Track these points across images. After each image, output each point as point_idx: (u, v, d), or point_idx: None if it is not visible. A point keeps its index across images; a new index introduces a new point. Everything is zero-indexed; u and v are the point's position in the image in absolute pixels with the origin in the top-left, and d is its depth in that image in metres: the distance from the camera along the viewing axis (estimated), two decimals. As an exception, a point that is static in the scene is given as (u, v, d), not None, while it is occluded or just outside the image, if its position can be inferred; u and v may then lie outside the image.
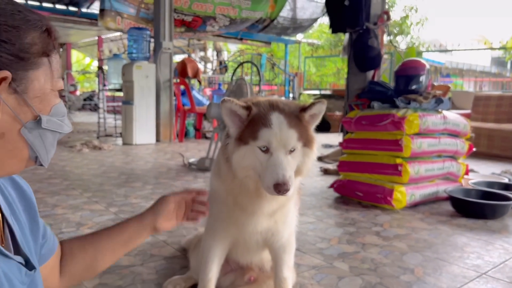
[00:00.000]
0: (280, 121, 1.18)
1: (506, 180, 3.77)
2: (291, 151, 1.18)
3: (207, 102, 7.72)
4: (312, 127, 1.28)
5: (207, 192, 1.27)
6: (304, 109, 1.24)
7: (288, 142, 1.17)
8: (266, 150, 1.17)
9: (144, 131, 6.50)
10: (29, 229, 0.91)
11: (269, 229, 1.37)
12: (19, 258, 0.82)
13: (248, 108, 1.21)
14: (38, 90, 0.75)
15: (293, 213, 1.46)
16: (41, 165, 0.81)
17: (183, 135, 7.22)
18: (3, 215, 0.83)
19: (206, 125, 7.88)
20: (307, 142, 1.22)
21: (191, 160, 4.74)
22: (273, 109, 1.21)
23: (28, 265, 0.84)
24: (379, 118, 3.08)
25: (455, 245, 2.29)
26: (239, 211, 1.32)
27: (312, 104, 1.25)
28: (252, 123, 1.20)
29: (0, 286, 0.73)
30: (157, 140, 6.76)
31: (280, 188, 1.11)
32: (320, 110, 1.26)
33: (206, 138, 7.47)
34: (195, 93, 7.92)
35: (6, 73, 0.70)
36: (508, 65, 19.29)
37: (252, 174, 1.21)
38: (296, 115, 1.22)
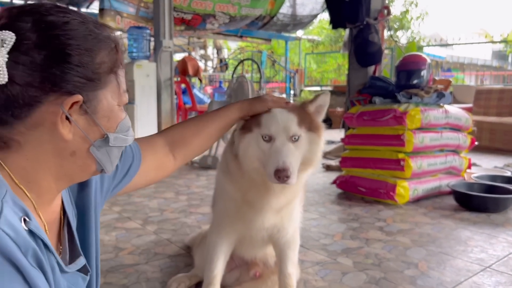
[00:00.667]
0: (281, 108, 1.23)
1: (508, 174, 3.77)
2: (295, 140, 1.19)
3: (208, 100, 7.72)
4: (318, 118, 1.29)
5: None
6: (309, 101, 1.28)
7: (288, 126, 1.18)
8: (269, 140, 1.18)
9: (145, 130, 6.48)
10: None
11: (275, 225, 1.38)
12: (81, 261, 0.82)
13: None
14: (107, 108, 0.75)
15: (298, 210, 1.47)
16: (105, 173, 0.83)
17: (185, 133, 7.22)
18: (64, 213, 0.84)
19: (208, 123, 7.87)
20: (311, 127, 1.23)
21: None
22: None
23: (84, 268, 0.84)
24: (381, 113, 3.07)
25: (459, 239, 2.30)
26: (247, 207, 1.33)
27: (316, 96, 1.28)
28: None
29: None
30: (159, 139, 6.76)
31: (280, 174, 1.11)
32: (324, 101, 1.28)
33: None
34: (196, 91, 7.92)
35: (79, 97, 0.70)
36: (509, 59, 19.16)
37: (258, 165, 1.22)
38: (299, 106, 1.27)
